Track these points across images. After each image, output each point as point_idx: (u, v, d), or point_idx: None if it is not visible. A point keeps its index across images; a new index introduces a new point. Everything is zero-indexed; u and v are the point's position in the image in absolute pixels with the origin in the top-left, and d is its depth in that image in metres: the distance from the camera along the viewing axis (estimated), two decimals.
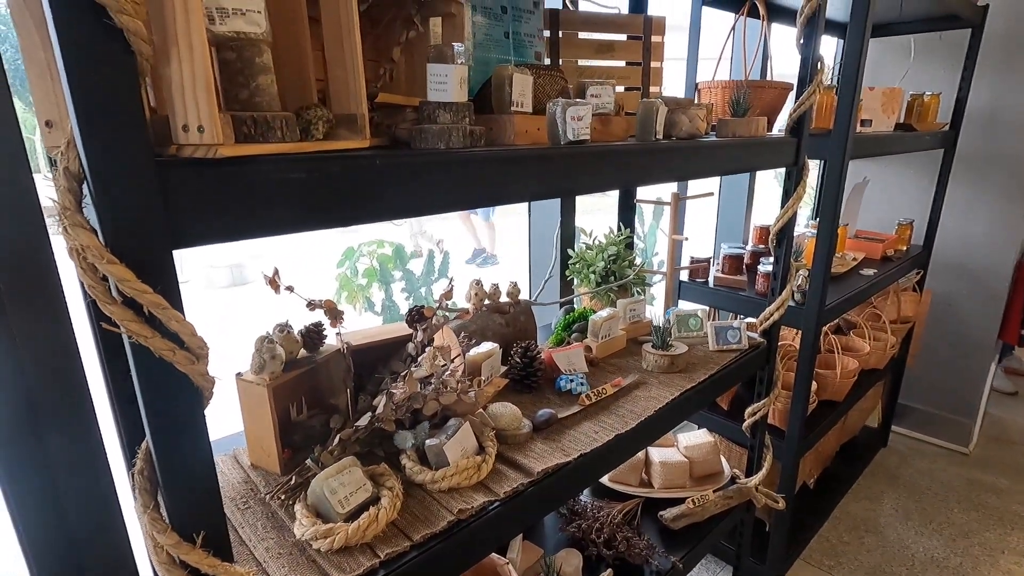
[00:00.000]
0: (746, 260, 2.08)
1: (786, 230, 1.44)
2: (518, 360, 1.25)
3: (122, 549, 1.07)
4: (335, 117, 0.68)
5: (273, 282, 1.01)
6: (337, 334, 1.10)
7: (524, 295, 1.45)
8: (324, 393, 1.03)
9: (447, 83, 0.77)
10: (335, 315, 1.08)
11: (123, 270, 0.45)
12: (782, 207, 1.43)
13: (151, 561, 0.72)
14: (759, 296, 1.86)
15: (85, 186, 0.47)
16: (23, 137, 0.92)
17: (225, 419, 1.01)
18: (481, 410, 1.04)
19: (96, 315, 0.87)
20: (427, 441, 0.93)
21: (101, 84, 0.43)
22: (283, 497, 0.86)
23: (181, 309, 0.50)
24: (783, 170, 1.45)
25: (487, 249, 5.66)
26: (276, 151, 0.57)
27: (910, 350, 2.75)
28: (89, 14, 0.41)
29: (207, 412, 0.57)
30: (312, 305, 1.07)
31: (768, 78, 1.98)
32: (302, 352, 1.02)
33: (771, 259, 1.53)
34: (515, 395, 1.21)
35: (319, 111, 0.65)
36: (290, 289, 1.08)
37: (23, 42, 0.55)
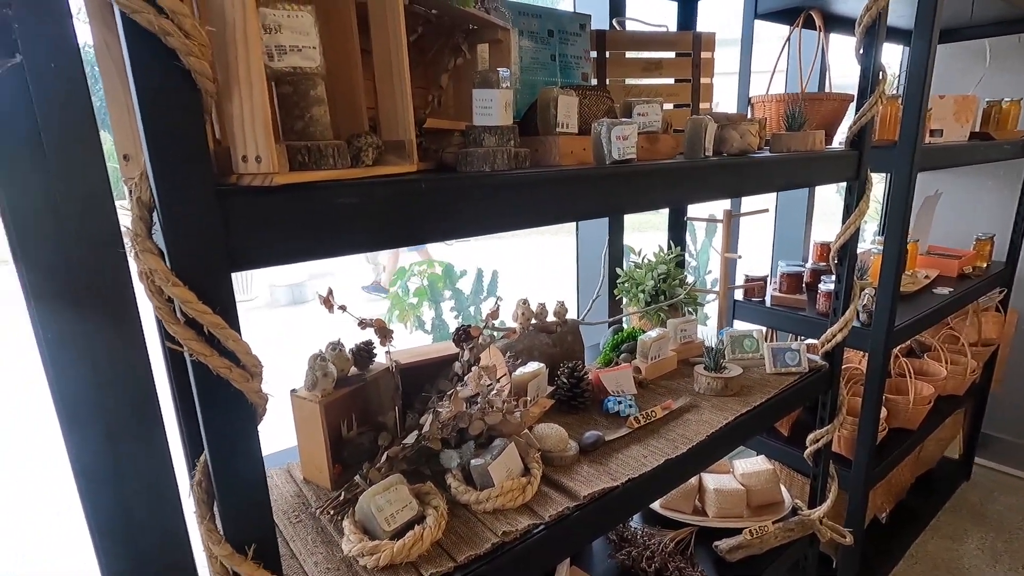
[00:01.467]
0: (806, 278, 1.99)
1: (848, 246, 1.37)
2: (565, 380, 1.23)
3: (185, 557, 1.12)
4: (384, 143, 0.71)
5: (327, 301, 1.05)
6: (387, 352, 1.13)
7: (571, 314, 1.44)
8: (373, 410, 1.05)
9: (492, 107, 0.79)
10: (385, 334, 1.11)
11: (186, 292, 0.48)
12: (843, 223, 1.36)
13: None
14: (820, 316, 1.77)
15: (155, 214, 0.50)
16: (107, 168, 1.00)
17: (281, 433, 1.05)
18: (527, 431, 1.04)
19: (164, 334, 0.93)
20: (472, 461, 0.93)
21: (170, 120, 0.46)
22: (332, 512, 0.88)
23: (238, 329, 0.52)
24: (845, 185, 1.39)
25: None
26: (327, 177, 0.59)
27: (994, 375, 2.53)
28: (161, 57, 0.45)
29: (261, 427, 0.59)
30: (363, 324, 1.10)
31: (827, 90, 1.91)
32: (353, 370, 1.05)
33: (833, 277, 1.45)
34: (561, 416, 1.20)
35: (369, 138, 0.67)
36: (343, 308, 1.11)
37: (106, 83, 0.61)
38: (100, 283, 1.00)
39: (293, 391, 0.98)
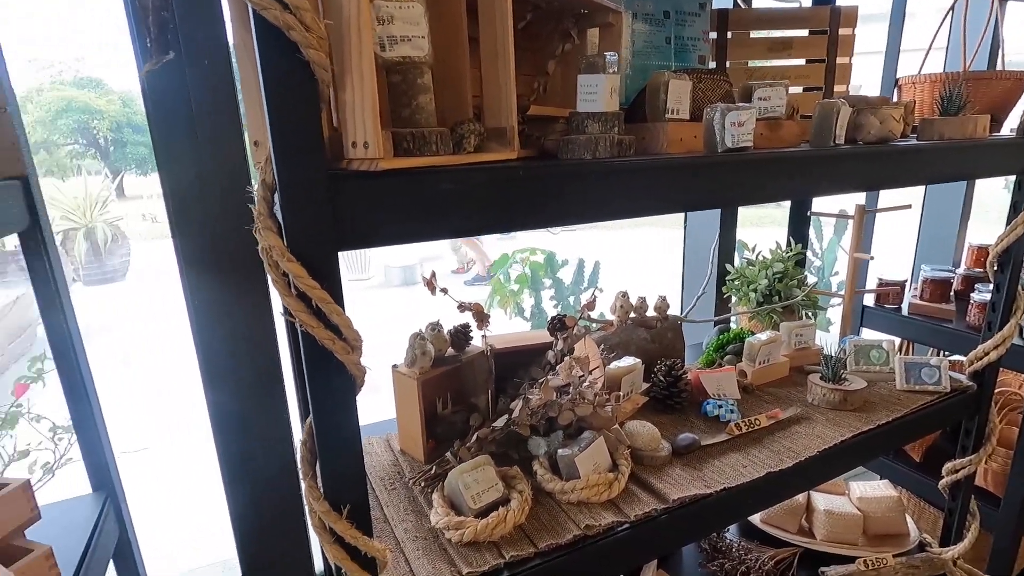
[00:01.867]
0: (955, 286, 1.74)
1: (1012, 251, 1.17)
2: (661, 378, 1.19)
3: (295, 501, 1.24)
4: (487, 130, 0.72)
5: (430, 284, 1.10)
6: (483, 336, 1.15)
7: (674, 310, 1.38)
8: (467, 391, 1.08)
9: (597, 93, 0.77)
10: (482, 318, 1.13)
11: (298, 267, 0.53)
12: (1008, 223, 1.17)
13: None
14: (970, 330, 1.54)
15: (276, 195, 0.55)
16: (246, 154, 1.12)
17: (386, 405, 1.12)
18: (617, 426, 1.01)
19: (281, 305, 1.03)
20: (559, 450, 0.93)
21: (290, 108, 0.50)
22: (423, 484, 0.92)
23: (342, 304, 0.56)
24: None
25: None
26: (428, 163, 0.61)
27: None
28: (285, 50, 0.49)
29: (368, 399, 0.63)
30: (462, 307, 1.14)
31: (998, 68, 1.64)
32: (450, 351, 1.09)
33: (990, 286, 1.26)
34: (655, 415, 1.16)
35: (471, 125, 0.68)
36: (444, 291, 1.15)
37: (243, 77, 0.67)
38: (237, 257, 1.12)
39: (394, 366, 1.04)
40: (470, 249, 6.02)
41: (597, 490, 0.88)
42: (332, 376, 0.57)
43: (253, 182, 1.11)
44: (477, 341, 1.14)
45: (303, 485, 0.61)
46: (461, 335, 1.09)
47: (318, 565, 1.34)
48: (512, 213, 0.65)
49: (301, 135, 0.51)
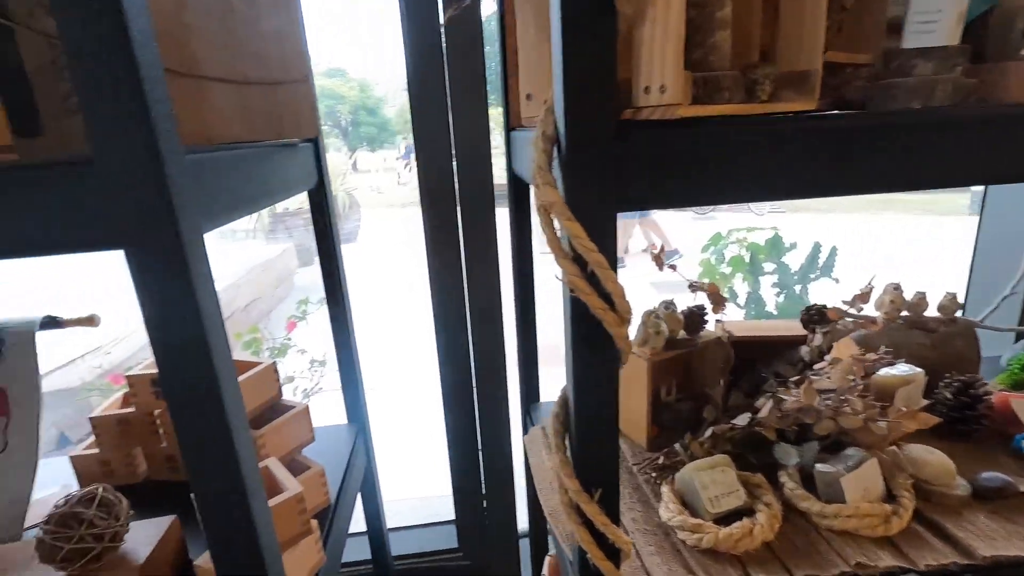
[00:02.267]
0: None
1: None
2: (949, 396, 0.94)
3: (506, 454, 1.28)
4: (780, 76, 0.60)
5: (658, 259, 1.01)
6: (718, 321, 1.04)
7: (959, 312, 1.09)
8: (697, 380, 0.98)
9: (938, 21, 0.59)
10: (718, 300, 1.01)
11: (578, 227, 0.48)
12: None
13: (549, 499, 0.82)
14: None
15: (555, 148, 0.51)
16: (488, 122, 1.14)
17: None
18: (894, 448, 0.82)
19: (517, 271, 1.03)
20: (817, 465, 0.79)
21: (587, 47, 0.45)
22: (652, 474, 0.85)
23: (615, 270, 0.50)
24: None
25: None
26: (722, 112, 0.52)
27: None
28: None
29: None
30: (694, 287, 1.03)
31: None
32: (682, 333, 0.99)
33: None
34: (940, 441, 0.92)
35: (768, 69, 0.57)
36: (673, 268, 1.06)
37: (520, 28, 0.65)
38: (473, 223, 1.15)
39: None
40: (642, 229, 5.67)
41: (870, 521, 0.72)
42: (597, 348, 0.53)
43: (492, 146, 1.13)
44: (710, 326, 1.03)
45: (555, 457, 0.58)
46: (696, 317, 0.99)
47: (520, 525, 1.39)
48: (823, 174, 0.53)
49: (595, 79, 0.46)
